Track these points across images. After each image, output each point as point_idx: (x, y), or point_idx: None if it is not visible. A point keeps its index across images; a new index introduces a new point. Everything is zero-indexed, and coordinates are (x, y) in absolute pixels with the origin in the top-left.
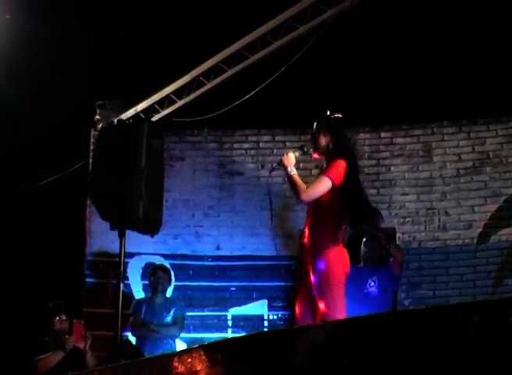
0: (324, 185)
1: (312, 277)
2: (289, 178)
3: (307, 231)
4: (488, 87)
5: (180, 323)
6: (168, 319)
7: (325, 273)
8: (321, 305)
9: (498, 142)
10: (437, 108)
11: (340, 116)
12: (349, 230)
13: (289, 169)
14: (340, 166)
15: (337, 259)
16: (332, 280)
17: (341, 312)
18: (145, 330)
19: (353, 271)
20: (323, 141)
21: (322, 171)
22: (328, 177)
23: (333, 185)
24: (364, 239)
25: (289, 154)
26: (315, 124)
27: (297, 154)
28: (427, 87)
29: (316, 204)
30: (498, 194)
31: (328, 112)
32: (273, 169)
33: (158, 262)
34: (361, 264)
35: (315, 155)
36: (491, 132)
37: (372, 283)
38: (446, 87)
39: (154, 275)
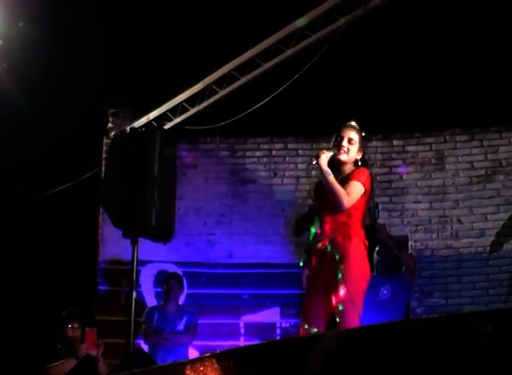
0: (360, 191)
1: (339, 284)
2: (329, 182)
3: (331, 236)
4: (500, 95)
5: (192, 331)
6: (181, 326)
7: (358, 280)
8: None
9: (511, 150)
10: (449, 116)
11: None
12: None
13: (327, 173)
14: (366, 173)
15: (366, 266)
16: (362, 287)
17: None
18: (158, 337)
19: None
20: (356, 152)
21: (349, 177)
22: (361, 183)
23: (364, 191)
24: (377, 248)
25: (325, 154)
26: (352, 132)
27: (330, 154)
28: (439, 95)
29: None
30: (511, 203)
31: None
32: (313, 164)
33: (170, 270)
34: (374, 272)
35: (343, 157)
36: (504, 140)
37: (385, 292)
38: (458, 95)
39: (166, 283)
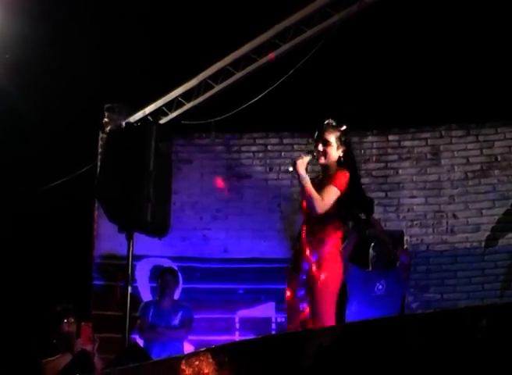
0: (334, 196)
1: (309, 283)
2: (304, 187)
3: (306, 238)
4: (496, 91)
5: (188, 326)
6: (176, 321)
7: (325, 282)
8: (311, 312)
9: (506, 145)
10: (445, 111)
11: (346, 127)
12: (355, 235)
13: (302, 178)
14: (345, 176)
15: (338, 269)
16: (332, 289)
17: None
18: (153, 332)
19: (361, 275)
20: (335, 152)
21: (328, 180)
22: (337, 187)
23: (339, 195)
24: (373, 243)
25: (303, 159)
26: (326, 133)
27: (308, 159)
28: (435, 90)
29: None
30: (506, 198)
31: (333, 122)
32: (290, 172)
33: (165, 265)
34: (369, 268)
35: (321, 161)
36: (499, 135)
37: (380, 287)
38: (454, 90)
39: (162, 278)
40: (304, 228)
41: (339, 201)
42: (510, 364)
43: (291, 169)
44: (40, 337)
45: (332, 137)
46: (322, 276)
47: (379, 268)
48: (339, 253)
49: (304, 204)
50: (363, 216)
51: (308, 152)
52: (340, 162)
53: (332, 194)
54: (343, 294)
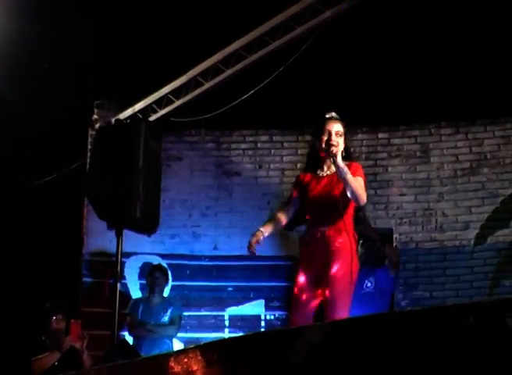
0: (363, 185)
1: (330, 278)
2: (348, 178)
3: (326, 232)
4: (485, 89)
5: (177, 323)
6: (165, 318)
7: (350, 275)
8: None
9: (495, 143)
10: (435, 109)
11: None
12: None
13: (344, 170)
14: (360, 167)
15: (356, 258)
16: (353, 280)
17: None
18: (142, 329)
19: None
20: (342, 145)
21: (351, 173)
22: (361, 178)
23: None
24: (361, 240)
25: (338, 152)
26: (340, 125)
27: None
28: (425, 87)
29: (338, 205)
30: (495, 195)
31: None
32: (333, 160)
33: (155, 262)
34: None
35: (335, 151)
36: (488, 133)
37: (369, 284)
38: (443, 88)
39: (151, 275)
40: (317, 222)
41: None
42: (497, 362)
43: (332, 160)
44: (29, 333)
45: (341, 128)
46: (343, 267)
47: (368, 265)
48: (356, 242)
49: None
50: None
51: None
52: (348, 156)
53: (363, 185)
54: None
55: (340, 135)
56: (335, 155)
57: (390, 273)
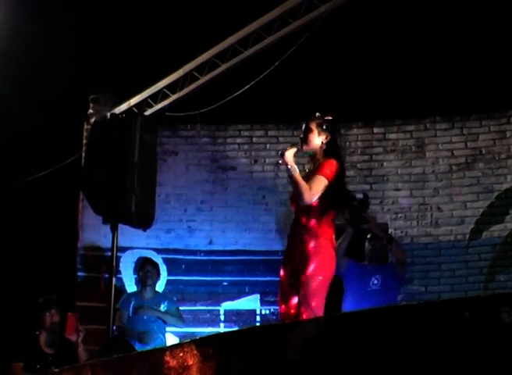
0: (322, 185)
1: (301, 276)
2: (292, 178)
3: (296, 230)
4: (481, 83)
5: (179, 315)
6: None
7: (317, 274)
8: (303, 303)
9: (490, 138)
10: (430, 103)
11: (331, 118)
12: (350, 230)
13: (292, 169)
14: (332, 165)
15: (330, 261)
16: (323, 282)
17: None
18: (151, 311)
19: (357, 268)
20: (316, 139)
21: (315, 170)
22: (324, 177)
23: (327, 184)
24: (368, 236)
25: (289, 150)
26: (308, 121)
27: (294, 151)
28: (420, 82)
29: (310, 206)
30: (490, 190)
31: (320, 114)
32: (278, 164)
33: (151, 257)
34: (366, 261)
35: (303, 148)
36: (483, 128)
37: (376, 281)
38: (439, 82)
39: (142, 269)
40: (295, 221)
41: (328, 190)
42: (491, 356)
43: (280, 161)
44: (24, 328)
45: (313, 125)
46: (313, 268)
47: (375, 262)
48: (332, 244)
49: (291, 197)
50: (356, 204)
51: (293, 145)
52: (326, 152)
53: (319, 183)
54: (339, 288)
55: (310, 131)
56: (282, 154)
57: (397, 270)
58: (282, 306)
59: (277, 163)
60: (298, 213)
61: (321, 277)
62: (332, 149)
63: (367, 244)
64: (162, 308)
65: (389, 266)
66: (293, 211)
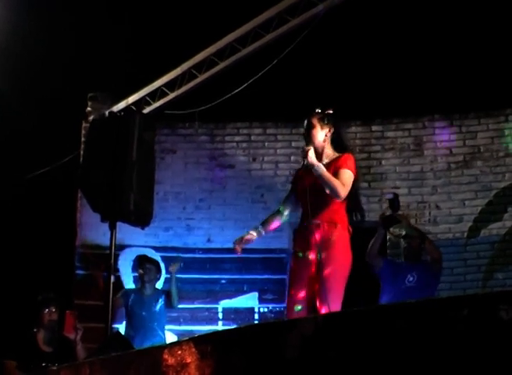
0: (351, 179)
1: (321, 269)
2: (322, 176)
3: (318, 223)
4: (479, 81)
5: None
6: (157, 308)
7: (340, 266)
8: (325, 297)
9: (489, 136)
10: (428, 101)
11: (331, 111)
12: (382, 230)
13: (317, 168)
14: (351, 158)
15: (349, 252)
16: (345, 274)
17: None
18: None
19: (392, 266)
20: (320, 133)
21: (337, 165)
22: (351, 170)
23: (354, 178)
24: (403, 234)
25: (310, 149)
26: (310, 117)
27: (312, 149)
28: (418, 80)
29: (327, 196)
30: (488, 189)
31: (320, 109)
32: (305, 166)
33: (149, 255)
34: (402, 259)
35: (310, 145)
36: (482, 126)
37: (411, 278)
38: (437, 80)
39: (140, 267)
40: (309, 215)
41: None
42: (490, 355)
43: (306, 162)
44: (22, 326)
45: (314, 120)
46: (334, 260)
47: (410, 260)
48: (349, 233)
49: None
50: (388, 212)
51: (307, 142)
52: (334, 144)
53: (349, 177)
54: (376, 287)
55: (312, 126)
56: (306, 154)
57: (432, 268)
58: (302, 292)
59: (304, 165)
60: (317, 206)
61: (342, 269)
62: (338, 141)
63: (402, 242)
64: (160, 303)
65: (424, 264)
66: (307, 205)
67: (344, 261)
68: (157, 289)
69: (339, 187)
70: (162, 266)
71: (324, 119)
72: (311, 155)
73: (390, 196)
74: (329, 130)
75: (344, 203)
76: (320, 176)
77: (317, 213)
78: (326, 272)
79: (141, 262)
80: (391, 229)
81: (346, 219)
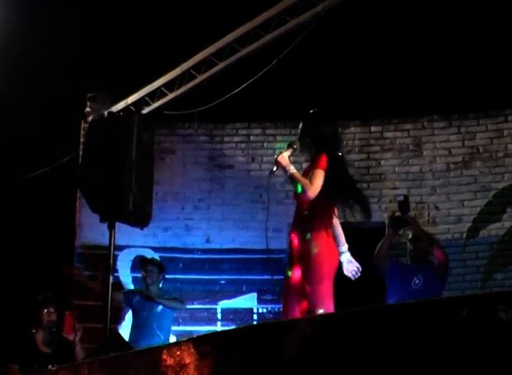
0: (321, 177)
1: (301, 271)
2: (292, 177)
3: (297, 225)
4: (478, 82)
5: (180, 301)
6: (159, 309)
7: (317, 267)
8: (308, 300)
9: (488, 137)
10: (427, 102)
11: (317, 109)
12: (391, 232)
13: (288, 169)
14: (324, 157)
15: (332, 253)
16: (324, 275)
17: (329, 308)
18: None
19: (399, 268)
20: (306, 139)
21: (312, 166)
22: (321, 169)
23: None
24: (410, 237)
25: (283, 154)
26: (301, 125)
27: (289, 153)
28: (418, 81)
29: (300, 203)
30: (487, 189)
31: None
32: (272, 172)
33: (148, 255)
34: (408, 261)
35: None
36: (481, 126)
37: (417, 281)
38: (436, 81)
39: (142, 269)
40: (296, 216)
41: (325, 182)
42: (489, 355)
43: (275, 168)
44: (21, 326)
45: (299, 125)
46: (316, 261)
47: (417, 262)
48: (327, 234)
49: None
50: (397, 213)
51: (288, 145)
52: (314, 145)
53: (318, 176)
54: (383, 289)
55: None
56: (276, 161)
57: (439, 271)
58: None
59: (271, 172)
60: (299, 209)
61: (325, 269)
62: (320, 142)
63: (409, 244)
64: (163, 304)
65: (430, 267)
66: (297, 206)
67: (326, 262)
68: (161, 289)
69: (306, 186)
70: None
71: (307, 125)
72: (282, 158)
73: (401, 198)
74: (311, 133)
75: (326, 205)
76: (289, 178)
77: (299, 216)
78: (308, 289)
79: (142, 264)
80: (399, 231)
81: (325, 222)
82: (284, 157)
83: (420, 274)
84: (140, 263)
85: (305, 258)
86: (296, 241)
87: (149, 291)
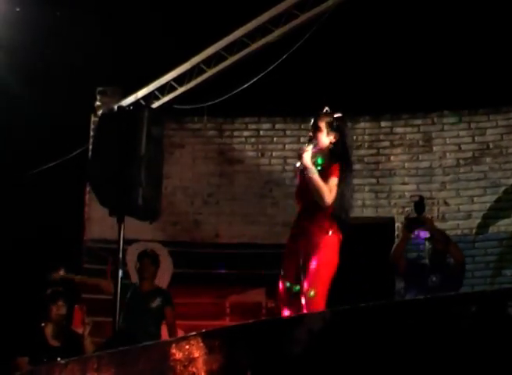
0: (336, 186)
1: (305, 267)
2: (312, 179)
3: (302, 222)
4: (489, 78)
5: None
6: (153, 305)
7: (320, 265)
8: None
9: (498, 133)
10: (437, 97)
11: (341, 115)
12: (406, 233)
13: (312, 171)
14: (336, 167)
15: (334, 256)
16: (326, 273)
17: (322, 306)
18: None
19: (416, 266)
20: (325, 138)
21: (327, 173)
22: (337, 178)
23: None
24: (427, 236)
25: (307, 151)
26: (317, 119)
27: (310, 148)
28: (428, 76)
29: (311, 198)
30: (497, 185)
31: (329, 110)
32: (299, 170)
33: (156, 250)
34: (426, 261)
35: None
36: (491, 122)
37: (434, 279)
38: (446, 76)
39: (139, 261)
40: (302, 215)
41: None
42: (497, 351)
43: (299, 163)
44: (30, 320)
45: (322, 123)
46: (318, 261)
47: (434, 262)
48: (338, 238)
49: (297, 192)
50: (412, 214)
51: (309, 141)
52: (333, 154)
53: (335, 185)
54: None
55: (320, 130)
56: (300, 156)
57: (455, 270)
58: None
59: (297, 166)
60: (308, 209)
61: (325, 271)
62: (338, 151)
63: (427, 243)
64: (157, 302)
65: (447, 266)
66: (301, 206)
67: (328, 266)
68: (154, 285)
69: (325, 193)
70: (170, 260)
71: (332, 125)
72: (306, 157)
73: (416, 198)
74: (334, 138)
75: (332, 209)
76: (310, 180)
77: (308, 216)
78: (310, 273)
79: (140, 257)
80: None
81: (334, 225)
82: (309, 155)
83: (437, 273)
84: (138, 256)
85: (317, 241)
86: (308, 228)
87: (142, 286)
